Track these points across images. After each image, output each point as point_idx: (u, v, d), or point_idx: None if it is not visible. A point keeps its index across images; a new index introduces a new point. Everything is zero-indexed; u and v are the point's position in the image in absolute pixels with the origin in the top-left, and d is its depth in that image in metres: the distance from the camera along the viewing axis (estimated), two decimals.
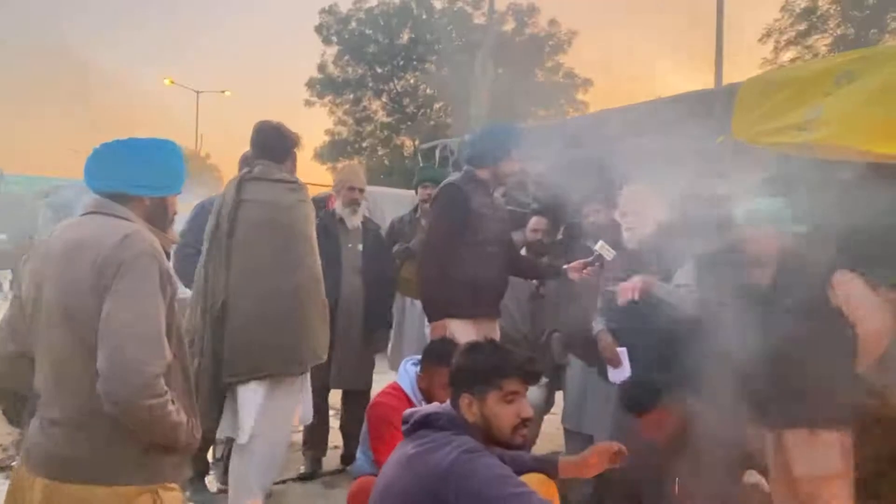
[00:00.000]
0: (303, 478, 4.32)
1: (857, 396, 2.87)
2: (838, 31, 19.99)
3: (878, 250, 3.21)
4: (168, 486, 1.87)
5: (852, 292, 2.80)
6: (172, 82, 31.05)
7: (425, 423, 2.02)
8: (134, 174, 1.93)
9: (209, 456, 4.19)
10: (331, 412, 4.76)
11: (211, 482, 4.08)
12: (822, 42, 20.16)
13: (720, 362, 2.92)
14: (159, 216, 2.01)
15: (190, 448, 1.92)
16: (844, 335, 2.80)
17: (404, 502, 1.88)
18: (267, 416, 3.10)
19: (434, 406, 2.12)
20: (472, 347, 2.15)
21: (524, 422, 2.03)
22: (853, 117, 3.01)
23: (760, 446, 2.81)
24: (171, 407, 1.78)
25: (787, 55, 20.52)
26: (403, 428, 2.08)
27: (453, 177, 3.61)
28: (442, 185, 3.59)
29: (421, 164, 5.33)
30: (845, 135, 3.03)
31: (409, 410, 2.14)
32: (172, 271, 1.90)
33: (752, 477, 2.63)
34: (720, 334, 3.09)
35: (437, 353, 2.89)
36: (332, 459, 4.65)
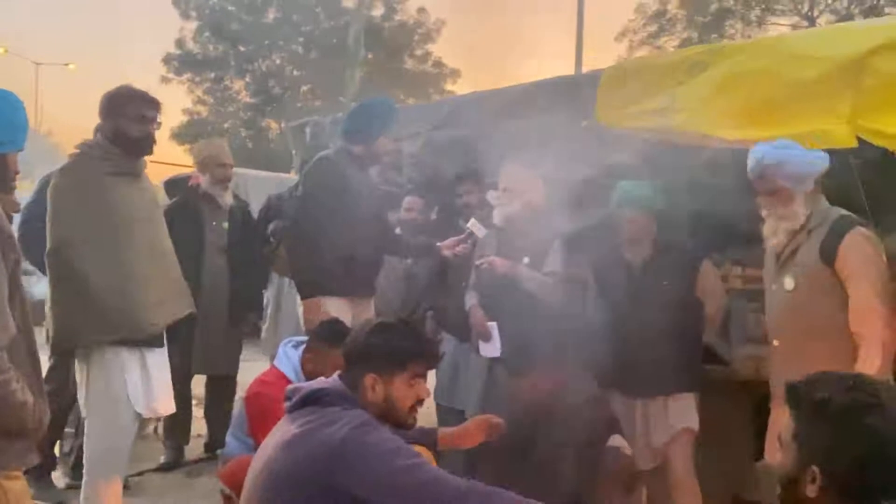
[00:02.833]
0: (163, 468, 4.09)
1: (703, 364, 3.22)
2: (684, 35, 21.59)
3: (725, 230, 3.50)
4: (12, 474, 1.69)
5: (708, 275, 3.12)
6: (7, 52, 28.34)
7: (312, 400, 1.92)
8: None
9: (55, 450, 3.87)
10: (193, 401, 4.54)
11: (58, 478, 3.77)
12: (670, 44, 21.68)
13: (587, 336, 3.08)
14: None
15: (37, 433, 1.74)
16: (701, 311, 3.10)
17: (291, 483, 1.77)
18: (92, 392, 2.89)
19: (321, 381, 2.02)
20: (384, 327, 2.06)
21: (419, 402, 2.02)
22: (703, 105, 3.23)
23: (623, 413, 3.00)
24: (15, 385, 1.60)
25: (639, 53, 21.88)
26: (286, 405, 1.99)
27: (327, 151, 3.52)
28: (315, 158, 3.50)
29: (291, 144, 5.14)
30: (696, 121, 3.25)
31: (291, 387, 2.04)
32: (15, 236, 1.70)
33: (616, 440, 2.78)
34: (588, 310, 3.25)
35: (329, 334, 2.79)
36: (194, 449, 4.44)
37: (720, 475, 3.21)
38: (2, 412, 1.61)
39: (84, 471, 2.93)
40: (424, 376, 2.04)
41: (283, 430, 1.91)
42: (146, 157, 3.08)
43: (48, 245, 2.85)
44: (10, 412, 1.62)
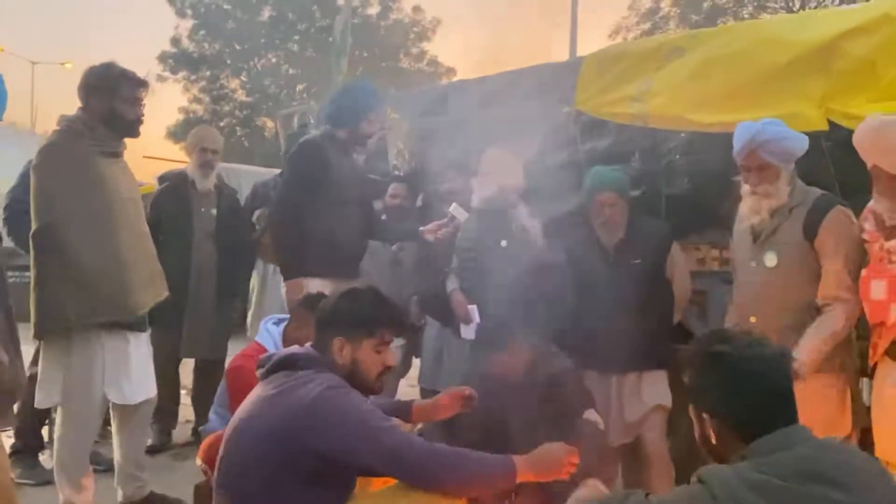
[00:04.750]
0: (150, 451, 4.12)
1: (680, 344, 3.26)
2: (677, 32, 21.66)
3: (703, 213, 3.55)
4: None
5: (676, 255, 3.19)
6: (3, 50, 28.21)
7: (285, 365, 1.98)
8: None
9: (44, 433, 3.91)
10: (181, 391, 4.57)
11: (46, 460, 3.80)
12: None
13: (565, 315, 3.13)
14: None
15: (13, 393, 1.77)
16: (671, 291, 3.16)
17: (265, 442, 1.82)
18: (71, 376, 2.87)
19: (293, 348, 2.08)
20: (354, 292, 2.12)
21: (387, 369, 2.08)
22: (679, 89, 3.28)
23: (598, 389, 3.04)
24: None
25: None
26: (259, 371, 2.04)
27: (311, 134, 3.56)
28: (300, 141, 3.54)
29: (281, 134, 5.19)
30: (673, 105, 3.30)
31: (264, 356, 2.10)
32: None
33: (591, 415, 2.82)
34: (564, 288, 3.30)
35: (313, 303, 2.84)
36: (182, 434, 4.47)
37: (696, 456, 3.26)
38: None
39: (57, 463, 2.93)
40: (390, 344, 2.09)
41: (257, 394, 1.97)
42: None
43: (34, 224, 2.78)
44: None
